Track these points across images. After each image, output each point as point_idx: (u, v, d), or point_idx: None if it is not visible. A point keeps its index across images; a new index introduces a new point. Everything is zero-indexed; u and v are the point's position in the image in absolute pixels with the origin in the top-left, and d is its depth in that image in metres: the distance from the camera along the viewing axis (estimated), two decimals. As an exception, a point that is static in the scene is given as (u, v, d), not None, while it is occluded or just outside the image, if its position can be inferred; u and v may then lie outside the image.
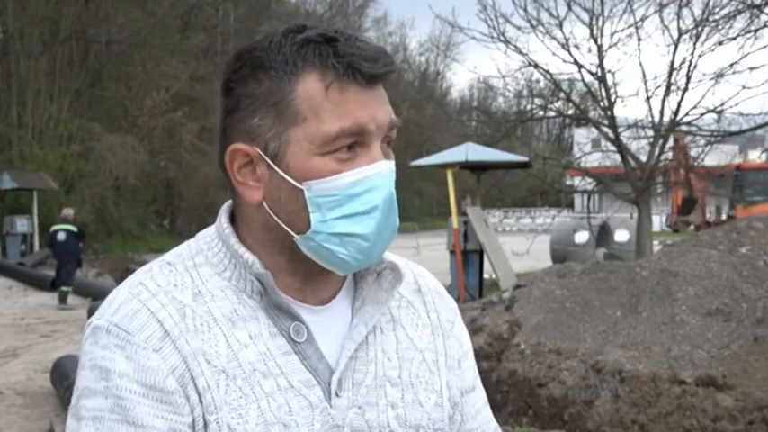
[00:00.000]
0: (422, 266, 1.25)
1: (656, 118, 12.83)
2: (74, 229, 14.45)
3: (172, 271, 1.04)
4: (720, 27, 12.08)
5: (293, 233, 1.01)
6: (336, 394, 1.03)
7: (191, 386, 0.97)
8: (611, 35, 12.76)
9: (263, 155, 1.00)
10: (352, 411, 1.03)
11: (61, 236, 14.39)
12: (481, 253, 12.58)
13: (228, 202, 1.10)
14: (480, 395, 1.23)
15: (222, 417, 0.97)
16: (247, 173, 1.03)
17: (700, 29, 12.13)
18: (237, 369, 0.99)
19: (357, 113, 0.98)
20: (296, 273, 1.04)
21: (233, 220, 1.09)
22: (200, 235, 1.10)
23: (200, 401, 0.97)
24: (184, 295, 1.01)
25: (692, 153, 12.96)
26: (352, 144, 0.99)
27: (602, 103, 13.25)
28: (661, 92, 12.67)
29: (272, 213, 1.02)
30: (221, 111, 1.05)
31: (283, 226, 1.01)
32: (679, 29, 12.36)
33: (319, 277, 1.05)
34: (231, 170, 1.03)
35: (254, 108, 1.00)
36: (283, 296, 1.03)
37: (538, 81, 18.61)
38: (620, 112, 13.62)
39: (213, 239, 1.07)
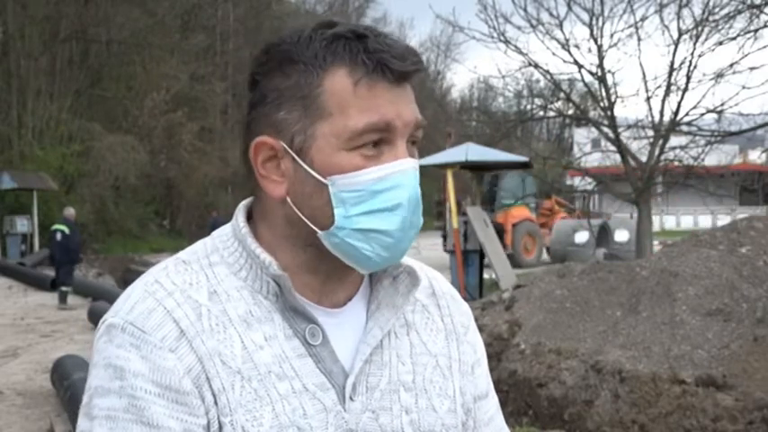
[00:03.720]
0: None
1: (656, 118, 12.83)
2: (66, 229, 14.44)
3: (187, 269, 1.03)
4: (720, 27, 12.08)
5: (317, 229, 1.00)
6: (351, 398, 1.02)
7: (206, 387, 0.96)
8: (611, 35, 12.77)
9: (288, 149, 1.00)
10: (366, 416, 1.03)
11: (58, 236, 14.43)
12: (481, 253, 12.58)
13: (246, 201, 1.09)
14: (493, 401, 1.22)
15: (237, 419, 0.96)
16: (272, 167, 1.02)
17: (700, 29, 12.13)
18: (253, 371, 0.98)
19: (384, 110, 0.97)
20: (317, 271, 1.04)
21: (250, 218, 1.08)
22: (215, 233, 1.08)
23: (216, 403, 0.96)
24: (200, 294, 1.00)
25: (692, 153, 12.95)
26: (377, 141, 0.98)
27: (602, 103, 13.25)
28: (661, 92, 12.68)
29: (295, 209, 1.01)
30: (247, 104, 1.05)
31: (307, 222, 1.00)
32: (679, 29, 12.37)
33: (339, 277, 1.04)
34: (255, 163, 1.02)
35: (281, 102, 0.99)
36: (299, 298, 1.02)
37: (538, 81, 18.66)
38: (620, 112, 13.63)
39: (229, 238, 1.06)
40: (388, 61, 0.96)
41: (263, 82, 1.01)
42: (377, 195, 0.98)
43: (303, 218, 1.00)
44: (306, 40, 0.99)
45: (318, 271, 1.04)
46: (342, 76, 0.97)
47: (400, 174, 0.98)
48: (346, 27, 0.99)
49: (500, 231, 17.76)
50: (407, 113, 0.99)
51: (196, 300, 1.00)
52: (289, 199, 1.01)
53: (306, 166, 0.99)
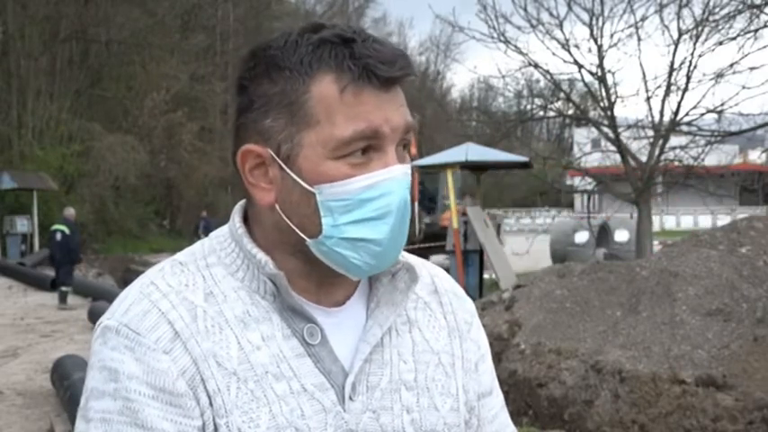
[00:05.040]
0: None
1: (656, 118, 12.83)
2: (66, 229, 14.45)
3: (183, 271, 1.03)
4: (720, 27, 12.08)
5: (305, 237, 0.99)
6: (350, 398, 1.01)
7: (201, 389, 0.96)
8: (611, 35, 12.77)
9: (275, 157, 0.98)
10: (366, 416, 1.02)
11: (58, 236, 14.44)
12: (481, 253, 12.58)
13: (242, 202, 1.08)
14: (498, 399, 1.21)
15: (233, 420, 0.95)
16: (259, 174, 1.01)
17: (700, 29, 12.13)
18: (249, 371, 0.97)
19: (371, 116, 0.95)
20: (310, 275, 1.03)
21: (246, 219, 1.07)
22: (212, 234, 1.08)
23: (211, 405, 0.96)
24: (196, 296, 1.00)
25: (692, 153, 12.94)
26: (366, 148, 0.96)
27: (602, 103, 13.26)
28: (661, 92, 12.68)
29: (284, 216, 1.00)
30: (235, 109, 1.04)
31: (295, 229, 0.99)
32: (679, 29, 12.37)
33: (333, 280, 1.03)
34: (243, 171, 1.01)
35: (268, 108, 0.98)
36: (297, 297, 1.01)
37: (538, 81, 18.63)
38: (620, 112, 13.63)
39: (226, 239, 1.05)
40: (374, 67, 0.95)
41: (251, 87, 1.00)
42: (365, 204, 0.96)
43: (292, 226, 0.99)
44: (292, 45, 0.97)
45: (311, 275, 1.03)
46: (328, 83, 0.95)
47: (389, 181, 0.97)
48: (333, 31, 0.97)
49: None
50: (396, 119, 0.97)
51: (192, 301, 0.99)
52: (277, 206, 1.00)
53: (293, 175, 0.97)
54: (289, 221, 1.00)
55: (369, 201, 0.96)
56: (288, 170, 0.98)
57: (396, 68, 0.96)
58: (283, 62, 0.97)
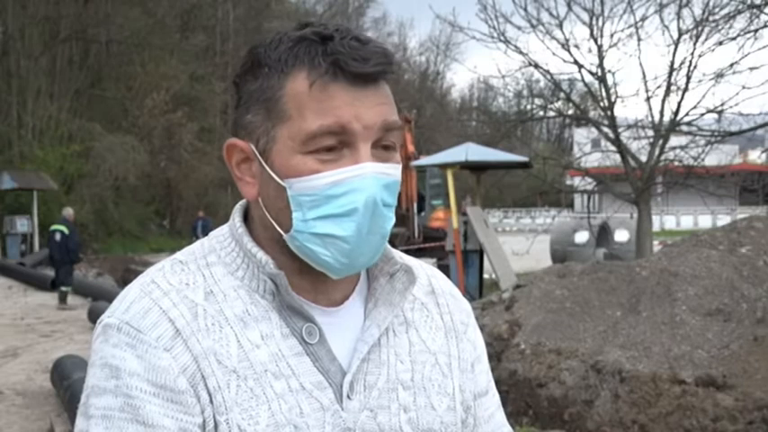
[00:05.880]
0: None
1: (656, 118, 12.83)
2: (65, 229, 14.46)
3: (184, 269, 1.04)
4: (720, 27, 12.07)
5: (282, 231, 1.01)
6: (348, 397, 1.02)
7: (201, 386, 0.97)
8: (611, 35, 12.76)
9: (254, 151, 1.01)
10: (364, 414, 1.03)
11: (57, 236, 14.45)
12: (481, 253, 12.57)
13: (242, 201, 1.10)
14: (494, 399, 1.22)
15: (232, 417, 0.96)
16: (245, 168, 1.03)
17: (700, 29, 12.12)
18: (249, 370, 0.98)
19: (339, 112, 0.96)
20: (301, 272, 1.04)
21: (246, 219, 1.08)
22: (212, 234, 1.09)
23: (211, 402, 0.97)
24: (196, 294, 1.01)
25: (692, 153, 12.94)
26: (338, 144, 0.97)
27: (602, 103, 13.25)
28: (661, 92, 12.67)
29: (265, 210, 1.02)
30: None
31: (273, 223, 1.01)
32: (679, 29, 12.36)
33: (326, 278, 1.04)
34: (230, 164, 1.04)
35: (249, 104, 1.01)
36: (296, 297, 1.02)
37: (538, 81, 18.64)
38: (620, 112, 13.63)
39: (226, 238, 1.07)
40: (344, 63, 0.95)
41: (241, 84, 1.03)
42: (331, 200, 0.97)
43: (271, 220, 1.01)
44: (275, 43, 1.00)
45: (303, 272, 1.03)
46: (301, 79, 0.97)
47: (358, 178, 0.96)
48: (314, 29, 0.99)
49: (440, 237, 17.08)
50: (368, 116, 0.97)
51: (192, 299, 1.00)
52: (260, 200, 1.02)
53: (267, 169, 1.00)
54: (269, 216, 1.02)
55: (335, 197, 0.97)
56: (263, 164, 1.00)
57: (369, 65, 0.96)
58: (264, 59, 1.00)
